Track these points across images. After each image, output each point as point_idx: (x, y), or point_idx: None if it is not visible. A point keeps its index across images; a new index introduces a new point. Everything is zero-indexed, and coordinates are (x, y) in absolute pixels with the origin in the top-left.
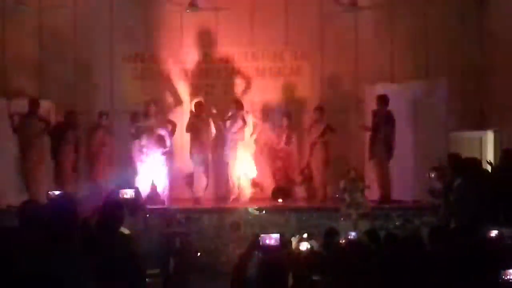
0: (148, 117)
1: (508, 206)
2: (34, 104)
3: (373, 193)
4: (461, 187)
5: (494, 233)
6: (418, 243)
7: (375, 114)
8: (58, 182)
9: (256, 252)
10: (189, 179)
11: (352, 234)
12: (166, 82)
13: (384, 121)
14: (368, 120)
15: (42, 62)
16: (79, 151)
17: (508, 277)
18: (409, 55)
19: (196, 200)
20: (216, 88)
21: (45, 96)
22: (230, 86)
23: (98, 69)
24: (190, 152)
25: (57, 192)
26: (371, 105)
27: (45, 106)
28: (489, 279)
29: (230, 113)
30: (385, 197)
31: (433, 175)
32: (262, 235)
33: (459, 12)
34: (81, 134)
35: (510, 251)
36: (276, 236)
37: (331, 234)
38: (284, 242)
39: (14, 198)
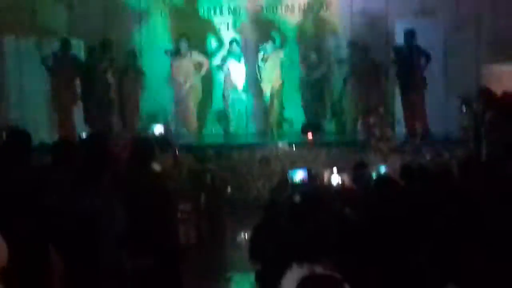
0: (181, 54)
1: None
2: (66, 45)
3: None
4: (492, 119)
5: None
6: (450, 179)
7: (399, 49)
8: (89, 122)
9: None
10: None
11: (383, 169)
12: (196, 20)
13: (416, 55)
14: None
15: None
16: (110, 90)
17: None
18: None
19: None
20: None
21: (75, 34)
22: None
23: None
24: None
25: (88, 132)
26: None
27: (75, 44)
28: None
29: None
30: (424, 130)
31: (464, 110)
32: (291, 170)
33: None
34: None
35: None
36: (304, 170)
37: (361, 168)
38: (313, 176)
39: (46, 135)
